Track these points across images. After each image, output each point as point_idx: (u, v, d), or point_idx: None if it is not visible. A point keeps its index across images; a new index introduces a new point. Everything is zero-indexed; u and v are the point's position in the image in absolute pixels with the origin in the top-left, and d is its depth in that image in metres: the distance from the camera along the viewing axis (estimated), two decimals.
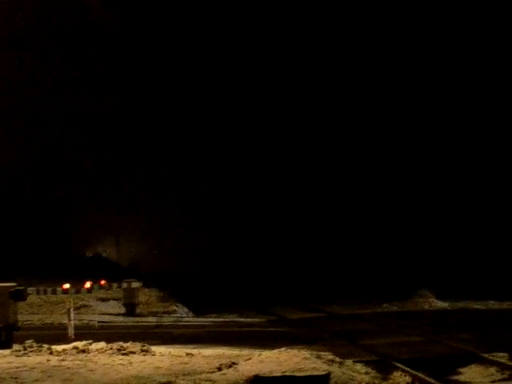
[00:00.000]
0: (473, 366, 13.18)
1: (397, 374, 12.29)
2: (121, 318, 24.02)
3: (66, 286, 23.42)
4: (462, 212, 50.70)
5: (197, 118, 58.11)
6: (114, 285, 24.82)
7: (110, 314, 24.91)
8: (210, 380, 9.90)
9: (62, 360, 11.89)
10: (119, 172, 56.85)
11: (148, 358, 12.28)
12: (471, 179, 51.17)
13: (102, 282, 25.02)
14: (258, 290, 41.33)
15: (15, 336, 14.79)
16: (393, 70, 54.33)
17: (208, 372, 10.52)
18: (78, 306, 24.51)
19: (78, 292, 23.87)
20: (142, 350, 12.84)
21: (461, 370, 13.01)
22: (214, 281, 50.29)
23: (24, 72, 52.19)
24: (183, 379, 9.89)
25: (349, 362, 11.75)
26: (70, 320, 15.80)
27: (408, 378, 12.01)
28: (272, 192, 59.02)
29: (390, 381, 11.97)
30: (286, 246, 55.99)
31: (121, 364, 11.45)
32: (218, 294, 40.42)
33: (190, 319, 24.86)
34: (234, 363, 11.07)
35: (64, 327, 16.09)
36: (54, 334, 16.50)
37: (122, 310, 25.29)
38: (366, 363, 12.45)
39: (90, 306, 26.15)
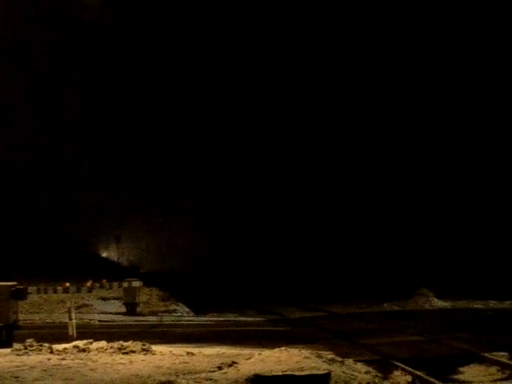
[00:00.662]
0: (473, 365, 13.19)
1: (397, 374, 12.30)
2: (121, 317, 24.01)
3: (67, 284, 23.39)
4: (462, 212, 50.69)
5: (196, 118, 58.11)
6: (115, 284, 24.79)
7: (111, 313, 24.90)
8: (211, 379, 9.89)
9: (63, 359, 11.89)
10: (120, 171, 56.86)
11: (148, 357, 12.27)
12: (471, 179, 51.17)
13: (103, 282, 24.99)
14: (259, 289, 41.33)
15: (16, 335, 14.79)
16: (393, 70, 54.32)
17: (209, 371, 10.51)
18: (78, 305, 24.53)
19: (78, 291, 23.83)
20: (143, 349, 12.83)
21: (461, 369, 13.02)
22: (215, 280, 50.30)
23: (24, 72, 52.22)
24: (184, 378, 9.88)
25: (349, 361, 11.73)
26: (70, 319, 15.78)
27: (408, 378, 12.02)
28: (271, 191, 59.01)
29: (391, 380, 11.97)
30: (287, 245, 55.99)
31: (121, 363, 11.45)
32: (219, 293, 40.42)
33: (191, 318, 24.85)
34: (234, 362, 11.07)
35: (64, 326, 16.07)
36: (55, 333, 16.49)
37: (123, 309, 25.27)
38: (367, 362, 12.43)
39: (91, 305, 26.16)
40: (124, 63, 56.15)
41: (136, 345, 13.07)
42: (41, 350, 12.95)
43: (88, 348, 13.05)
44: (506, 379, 12.06)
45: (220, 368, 10.72)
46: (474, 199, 50.73)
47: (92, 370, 10.75)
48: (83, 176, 55.35)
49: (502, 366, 12.74)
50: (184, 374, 10.18)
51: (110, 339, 13.69)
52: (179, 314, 26.45)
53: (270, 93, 57.79)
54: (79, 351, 12.84)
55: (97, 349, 12.96)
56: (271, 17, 55.62)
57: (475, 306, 27.20)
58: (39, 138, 53.28)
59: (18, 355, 12.51)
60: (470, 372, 12.86)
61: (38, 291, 23.26)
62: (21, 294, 15.23)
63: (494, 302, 27.93)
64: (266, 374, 9.98)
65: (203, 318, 24.72)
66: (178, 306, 28.10)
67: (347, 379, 10.07)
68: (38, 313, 24.54)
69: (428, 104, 54.54)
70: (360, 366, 11.69)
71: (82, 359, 11.80)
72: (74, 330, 15.50)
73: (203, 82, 57.27)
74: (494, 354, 13.67)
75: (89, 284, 23.82)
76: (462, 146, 53.02)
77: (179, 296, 31.14)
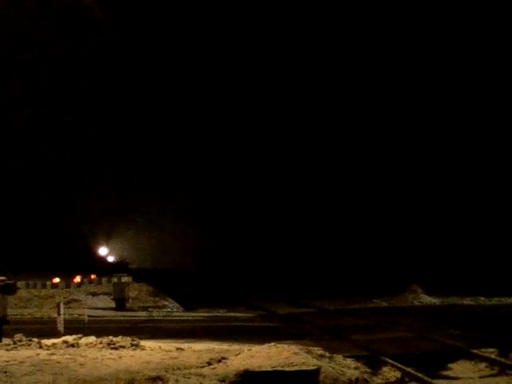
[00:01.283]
0: (462, 361, 13.24)
1: (386, 369, 12.33)
2: (111, 313, 23.99)
3: (56, 280, 23.30)
4: (451, 209, 50.84)
5: (196, 117, 58.18)
6: (104, 279, 24.74)
7: (100, 309, 24.86)
8: (200, 374, 9.87)
9: (52, 354, 11.84)
10: (114, 168, 56.87)
11: (138, 352, 12.24)
12: (461, 176, 51.30)
13: (92, 277, 24.93)
14: (248, 285, 41.37)
15: (5, 330, 14.73)
16: (393, 70, 54.39)
17: (198, 367, 10.50)
18: (67, 300, 24.49)
19: (67, 286, 23.76)
20: (132, 345, 12.80)
21: (450, 365, 13.06)
22: (205, 276, 50.34)
23: (23, 72, 52.10)
24: (173, 374, 9.86)
25: (338, 357, 11.75)
26: (59, 314, 15.73)
27: (397, 373, 12.06)
28: (262, 188, 59.08)
29: (380, 376, 12.00)
30: (277, 242, 56.07)
31: (110, 358, 11.41)
32: (209, 289, 40.44)
33: (181, 314, 24.83)
34: (223, 358, 11.07)
35: (54, 321, 16.02)
36: (44, 328, 16.45)
37: (112, 305, 25.25)
38: (356, 358, 12.47)
39: (80, 300, 26.10)
40: (124, 63, 56.14)
41: (125, 340, 13.03)
42: (30, 345, 12.90)
43: (77, 343, 13.01)
44: (494, 375, 12.12)
45: (209, 363, 10.71)
46: (463, 196, 50.86)
47: (81, 365, 10.71)
48: (82, 175, 55.43)
49: (491, 363, 12.80)
50: (173, 370, 10.15)
51: (99, 334, 13.65)
52: (169, 309, 26.44)
53: (270, 93, 57.93)
54: (68, 346, 12.79)
55: (86, 344, 12.92)
56: (271, 17, 55.76)
57: (464, 302, 27.30)
58: (38, 138, 53.27)
59: (6, 350, 12.45)
60: (458, 368, 12.90)
61: (27, 286, 23.19)
62: (10, 289, 15.17)
63: (483, 298, 28.06)
64: (256, 370, 9.99)
65: (193, 314, 24.71)
66: (167, 301, 28.09)
67: (336, 375, 10.08)
68: (27, 308, 24.49)
69: (428, 104, 54.61)
70: (349, 362, 11.71)
71: (71, 354, 11.75)
72: (62, 326, 15.46)
73: (203, 82, 57.39)
74: (483, 350, 13.72)
75: (78, 279, 23.74)
76: (451, 143, 53.14)
77: (169, 292, 31.13)
